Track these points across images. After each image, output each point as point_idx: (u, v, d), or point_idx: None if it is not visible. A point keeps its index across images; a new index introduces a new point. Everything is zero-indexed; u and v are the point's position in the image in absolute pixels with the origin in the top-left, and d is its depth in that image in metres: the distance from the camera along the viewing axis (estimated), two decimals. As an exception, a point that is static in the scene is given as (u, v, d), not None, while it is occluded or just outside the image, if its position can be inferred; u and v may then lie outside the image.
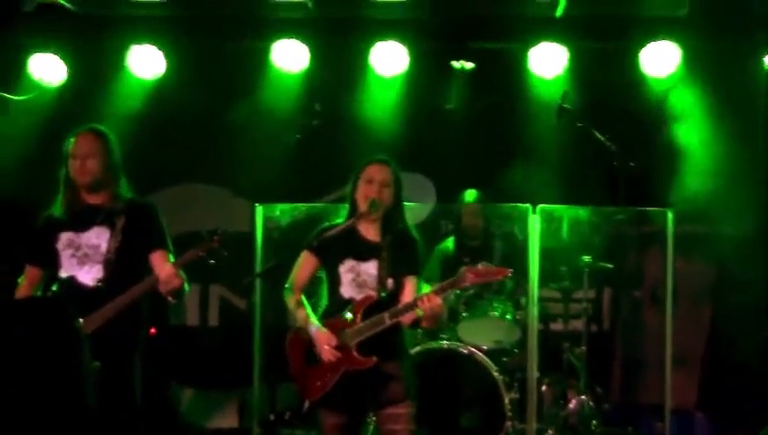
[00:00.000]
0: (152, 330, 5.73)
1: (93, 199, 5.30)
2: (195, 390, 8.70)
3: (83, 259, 5.22)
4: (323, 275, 5.30)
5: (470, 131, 8.48)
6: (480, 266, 5.05)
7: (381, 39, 8.04)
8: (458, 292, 7.11)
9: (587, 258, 7.52)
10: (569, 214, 7.88)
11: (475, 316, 7.25)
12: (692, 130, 8.15)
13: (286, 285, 5.33)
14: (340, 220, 5.28)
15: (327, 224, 5.33)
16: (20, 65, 8.17)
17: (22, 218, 5.88)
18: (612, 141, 7.16)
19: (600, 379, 7.94)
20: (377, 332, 5.02)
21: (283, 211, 7.95)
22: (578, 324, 7.74)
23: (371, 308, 5.07)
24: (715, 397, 7.95)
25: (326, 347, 5.07)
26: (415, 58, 8.12)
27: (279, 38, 8.08)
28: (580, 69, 8.04)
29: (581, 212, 7.84)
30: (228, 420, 8.54)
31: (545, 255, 7.60)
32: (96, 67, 8.32)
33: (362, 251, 5.17)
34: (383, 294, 5.08)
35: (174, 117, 8.49)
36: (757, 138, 8.20)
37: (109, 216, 5.25)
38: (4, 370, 3.20)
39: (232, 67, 8.38)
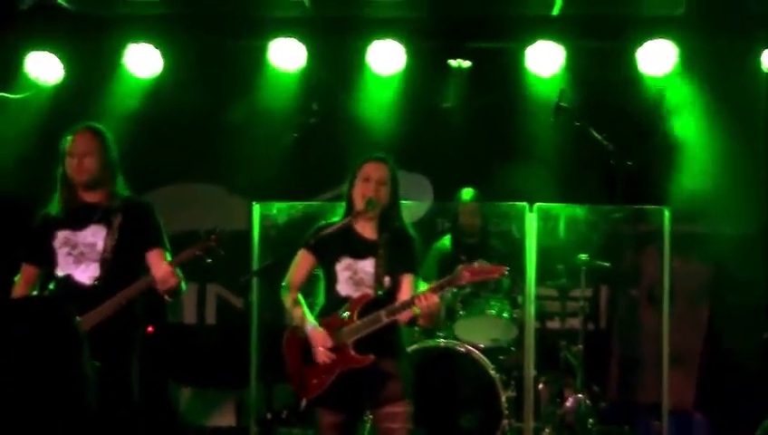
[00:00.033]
0: (149, 328, 5.73)
1: (90, 198, 5.30)
2: (192, 388, 8.70)
3: (80, 258, 5.22)
4: (320, 273, 5.30)
5: (467, 130, 8.49)
6: (477, 264, 5.05)
7: (378, 38, 8.04)
8: (455, 290, 7.12)
9: (584, 257, 7.52)
10: (566, 212, 7.88)
11: (472, 315, 7.25)
12: (689, 128, 8.16)
13: (283, 284, 5.33)
14: (336, 218, 5.28)
15: (324, 222, 5.33)
16: (16, 64, 8.15)
17: (19, 217, 5.88)
18: (609, 140, 7.15)
19: (597, 377, 7.95)
20: (374, 330, 5.02)
21: (280, 210, 7.95)
22: (575, 323, 7.75)
23: (368, 306, 5.07)
24: (714, 397, 7.95)
25: (321, 349, 5.07)
26: (412, 57, 8.11)
27: (276, 37, 8.07)
28: (578, 68, 8.03)
29: (578, 210, 7.84)
30: (226, 418, 8.53)
31: (542, 253, 7.61)
32: (93, 66, 8.30)
33: (359, 249, 5.17)
34: (380, 292, 5.09)
35: (171, 116, 8.48)
36: (754, 136, 8.21)
37: (105, 214, 5.25)
38: (4, 369, 3.20)
39: (229, 66, 8.38)
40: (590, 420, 7.42)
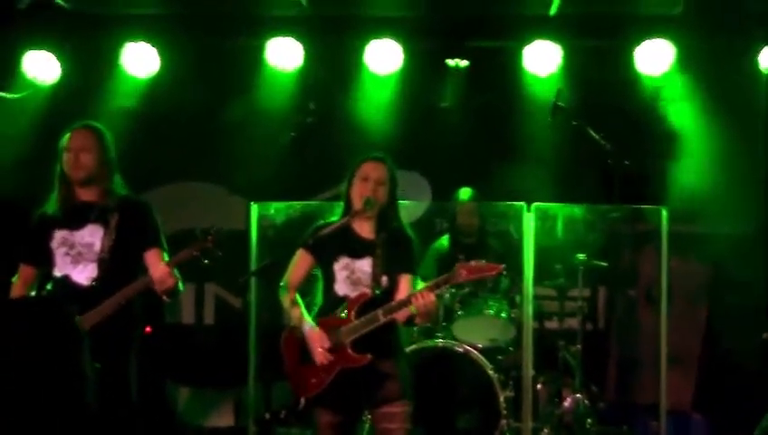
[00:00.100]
0: (147, 328, 5.73)
1: (86, 196, 5.29)
2: (190, 388, 8.70)
3: (77, 258, 5.21)
4: (318, 273, 5.30)
5: (465, 130, 8.49)
6: (473, 263, 5.05)
7: (376, 37, 8.04)
8: (453, 290, 7.13)
9: (582, 256, 7.52)
10: (564, 212, 7.88)
11: (471, 315, 7.25)
12: (686, 128, 8.16)
13: (281, 284, 5.32)
14: (334, 218, 5.28)
15: (322, 222, 5.33)
16: (14, 63, 8.15)
17: (16, 217, 5.87)
18: (607, 140, 7.16)
19: (596, 377, 7.94)
20: (371, 329, 5.02)
21: (278, 209, 7.94)
22: (573, 323, 7.76)
23: (366, 306, 5.07)
24: (712, 397, 7.95)
25: (319, 349, 5.06)
26: (409, 56, 8.12)
27: (273, 36, 8.08)
28: (575, 67, 8.04)
29: (576, 210, 7.84)
30: (224, 418, 8.52)
31: (540, 253, 7.60)
32: (90, 65, 8.30)
33: (357, 248, 5.17)
34: (377, 292, 5.08)
35: (169, 115, 8.48)
36: (752, 135, 8.21)
37: (102, 213, 5.25)
38: (4, 369, 3.20)
39: (226, 65, 8.37)
40: (589, 420, 7.42)
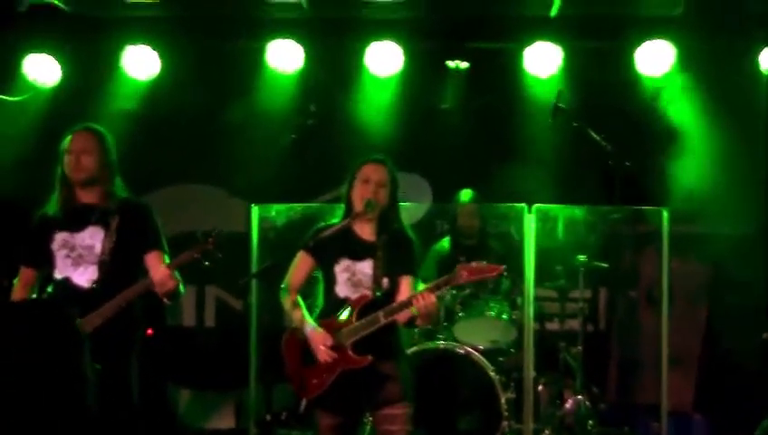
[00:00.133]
0: (148, 331, 5.73)
1: (87, 198, 5.29)
2: (191, 390, 8.70)
3: (78, 260, 5.21)
4: (319, 275, 5.29)
5: (466, 131, 8.48)
6: (474, 264, 5.05)
7: (376, 39, 8.05)
8: (454, 292, 7.13)
9: (582, 258, 7.52)
10: (564, 213, 7.88)
11: (472, 316, 7.25)
12: (687, 128, 8.16)
13: (282, 286, 5.32)
14: (335, 220, 5.28)
15: (323, 224, 5.32)
16: (15, 66, 8.15)
17: (17, 219, 5.87)
18: (607, 141, 7.16)
19: (597, 378, 7.94)
20: (372, 331, 5.02)
21: (279, 211, 7.95)
22: (574, 324, 7.75)
23: (367, 307, 5.07)
24: (713, 398, 7.94)
25: (322, 347, 5.06)
26: (410, 58, 8.12)
27: (274, 38, 8.08)
28: (576, 68, 8.05)
29: (577, 211, 7.85)
30: (225, 420, 8.52)
31: (541, 254, 7.60)
32: (91, 68, 8.31)
33: (357, 250, 5.17)
34: (378, 294, 5.08)
35: (169, 117, 8.49)
36: (753, 136, 8.21)
37: (103, 215, 5.25)
38: (5, 370, 3.20)
39: (227, 67, 8.38)
40: (590, 422, 7.42)
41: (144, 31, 8.13)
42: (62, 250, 5.23)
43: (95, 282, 5.18)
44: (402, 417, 5.06)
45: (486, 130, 8.47)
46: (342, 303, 5.13)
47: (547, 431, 7.47)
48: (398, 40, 8.04)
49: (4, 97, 8.13)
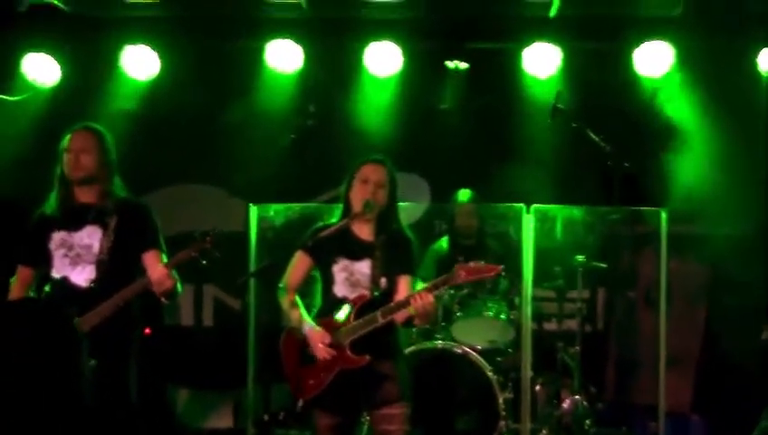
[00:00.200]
0: (146, 330, 5.74)
1: (85, 197, 5.30)
2: (189, 390, 8.70)
3: (76, 259, 5.22)
4: (317, 274, 5.30)
5: (464, 132, 8.48)
6: (472, 264, 5.06)
7: (375, 39, 8.04)
8: (452, 291, 7.13)
9: (581, 258, 7.52)
10: (563, 214, 7.89)
11: (470, 316, 7.25)
12: (686, 129, 8.16)
13: (280, 285, 5.33)
14: (334, 220, 5.29)
15: (321, 224, 5.34)
16: (14, 66, 8.15)
17: (15, 219, 5.87)
18: (606, 141, 7.16)
19: (594, 379, 7.93)
20: (370, 330, 5.02)
21: (278, 211, 7.95)
22: (572, 324, 7.75)
23: (365, 307, 5.07)
24: (711, 398, 7.94)
25: (320, 345, 5.07)
26: (409, 58, 8.12)
27: (273, 38, 8.07)
28: (574, 69, 8.04)
29: (575, 212, 7.85)
30: (223, 420, 8.52)
31: (539, 254, 7.61)
32: (90, 68, 8.30)
33: (356, 250, 5.17)
34: (376, 293, 5.09)
35: (168, 117, 8.48)
36: (752, 137, 8.20)
37: (101, 214, 5.26)
38: (3, 371, 3.20)
39: (226, 67, 8.38)
40: (587, 422, 7.42)
41: (143, 31, 8.13)
42: (59, 249, 5.24)
43: (93, 281, 5.18)
44: (400, 417, 5.07)
45: (485, 130, 8.47)
46: (340, 302, 5.14)
47: (544, 431, 7.47)
48: (398, 40, 8.04)
49: (3, 97, 8.13)
